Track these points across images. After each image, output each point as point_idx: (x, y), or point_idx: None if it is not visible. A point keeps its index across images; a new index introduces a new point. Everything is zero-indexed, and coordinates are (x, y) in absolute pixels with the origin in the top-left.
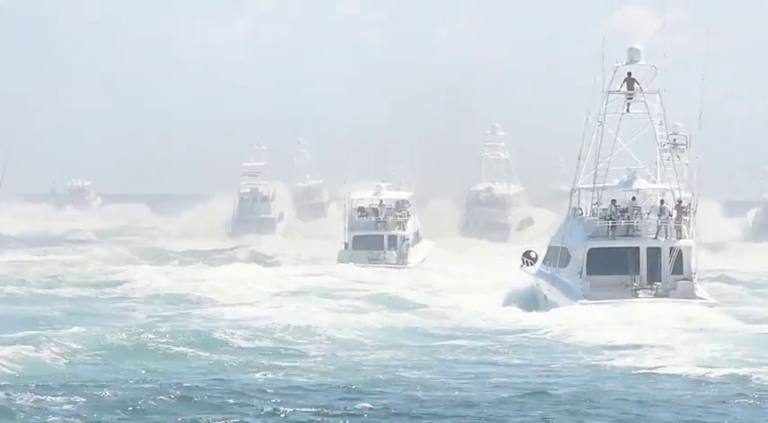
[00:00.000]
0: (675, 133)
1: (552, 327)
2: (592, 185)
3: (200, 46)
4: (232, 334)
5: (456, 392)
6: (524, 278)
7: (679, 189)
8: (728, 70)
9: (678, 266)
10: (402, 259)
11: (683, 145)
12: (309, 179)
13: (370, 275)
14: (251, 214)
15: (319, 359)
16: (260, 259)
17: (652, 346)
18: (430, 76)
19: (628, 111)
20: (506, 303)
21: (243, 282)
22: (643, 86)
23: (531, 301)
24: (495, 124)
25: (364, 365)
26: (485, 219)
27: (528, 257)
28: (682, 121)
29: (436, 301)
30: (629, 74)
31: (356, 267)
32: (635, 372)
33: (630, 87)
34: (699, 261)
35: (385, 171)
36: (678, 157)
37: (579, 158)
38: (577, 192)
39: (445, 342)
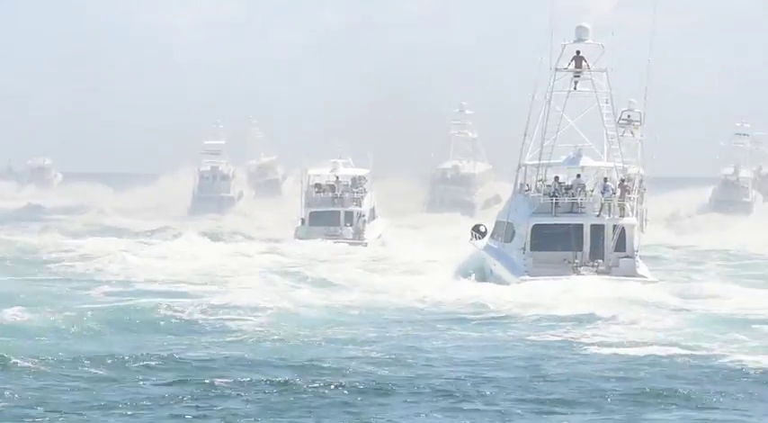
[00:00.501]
0: (630, 110)
1: (496, 302)
2: (538, 162)
3: (157, 25)
4: (181, 312)
5: (404, 369)
6: (474, 253)
7: (624, 167)
8: (684, 47)
9: (621, 244)
10: (358, 235)
11: (637, 121)
12: (264, 156)
13: (324, 252)
14: (211, 192)
15: (267, 336)
16: (215, 236)
17: (593, 322)
18: (388, 53)
19: (575, 89)
20: (456, 278)
21: (195, 259)
22: (591, 64)
23: (479, 276)
24: (462, 103)
25: (315, 342)
26: (450, 197)
27: (477, 231)
28: (634, 98)
29: (387, 277)
30: (578, 52)
31: (311, 244)
32: (578, 348)
33: (578, 65)
34: (653, 236)
35: (341, 147)
36: (632, 133)
37: (525, 135)
38: (524, 168)
39: (393, 318)
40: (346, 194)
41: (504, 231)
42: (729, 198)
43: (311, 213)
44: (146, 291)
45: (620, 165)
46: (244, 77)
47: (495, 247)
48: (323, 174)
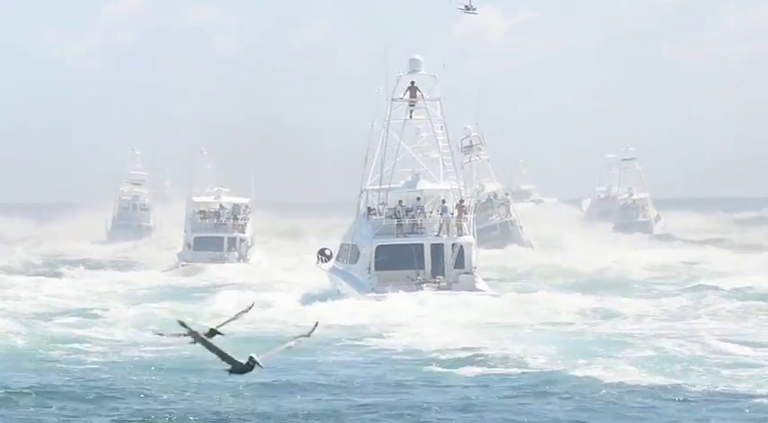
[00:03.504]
0: (467, 137)
1: (340, 319)
2: (378, 187)
3: (58, 54)
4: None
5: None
6: (322, 275)
7: (460, 189)
8: (582, 68)
9: (460, 261)
10: (242, 259)
11: (479, 144)
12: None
13: (195, 281)
14: (130, 220)
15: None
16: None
17: (433, 334)
18: (284, 81)
19: (411, 117)
20: (306, 299)
21: (79, 291)
22: (425, 94)
23: (326, 296)
24: (371, 124)
25: (164, 366)
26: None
27: (323, 255)
28: (533, 119)
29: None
30: (412, 83)
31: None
32: (416, 356)
33: (413, 95)
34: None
35: (230, 176)
36: (478, 156)
37: (366, 161)
38: (366, 193)
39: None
40: (230, 221)
41: (350, 253)
42: (629, 220)
43: (195, 238)
44: None
45: (457, 187)
46: (143, 105)
47: (342, 268)
48: (207, 201)
